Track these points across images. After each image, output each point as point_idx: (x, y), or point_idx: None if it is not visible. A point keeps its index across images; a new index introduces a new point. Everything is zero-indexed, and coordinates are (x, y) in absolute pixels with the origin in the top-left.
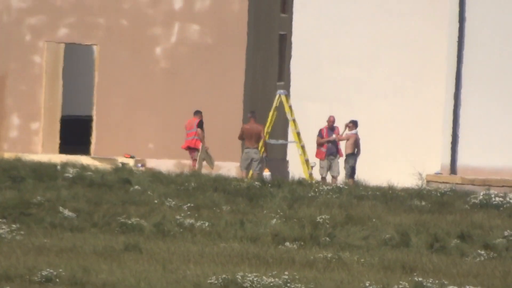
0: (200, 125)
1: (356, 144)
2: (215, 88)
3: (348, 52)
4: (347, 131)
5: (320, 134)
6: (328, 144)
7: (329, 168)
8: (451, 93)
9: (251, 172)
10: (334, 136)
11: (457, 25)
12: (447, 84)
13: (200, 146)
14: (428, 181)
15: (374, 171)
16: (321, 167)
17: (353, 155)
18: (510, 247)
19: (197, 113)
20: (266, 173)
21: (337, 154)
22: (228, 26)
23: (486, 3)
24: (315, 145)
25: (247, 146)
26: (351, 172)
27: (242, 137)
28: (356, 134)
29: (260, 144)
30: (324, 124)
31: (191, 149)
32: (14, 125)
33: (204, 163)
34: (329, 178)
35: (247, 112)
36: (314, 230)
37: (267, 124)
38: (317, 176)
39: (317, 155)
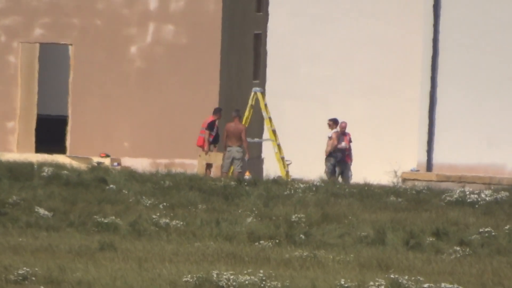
0: (210, 126)
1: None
2: (191, 87)
3: (323, 50)
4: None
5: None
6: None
7: (341, 173)
8: (426, 92)
9: (231, 169)
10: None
11: (432, 24)
12: (422, 82)
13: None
14: (404, 179)
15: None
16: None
17: (334, 154)
18: (485, 244)
19: (214, 111)
20: (247, 177)
21: (346, 161)
22: (203, 26)
23: (461, 3)
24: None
25: (229, 145)
26: (332, 170)
27: (226, 135)
28: (337, 132)
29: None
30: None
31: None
32: None
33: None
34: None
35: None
36: (289, 229)
37: (243, 122)
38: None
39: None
